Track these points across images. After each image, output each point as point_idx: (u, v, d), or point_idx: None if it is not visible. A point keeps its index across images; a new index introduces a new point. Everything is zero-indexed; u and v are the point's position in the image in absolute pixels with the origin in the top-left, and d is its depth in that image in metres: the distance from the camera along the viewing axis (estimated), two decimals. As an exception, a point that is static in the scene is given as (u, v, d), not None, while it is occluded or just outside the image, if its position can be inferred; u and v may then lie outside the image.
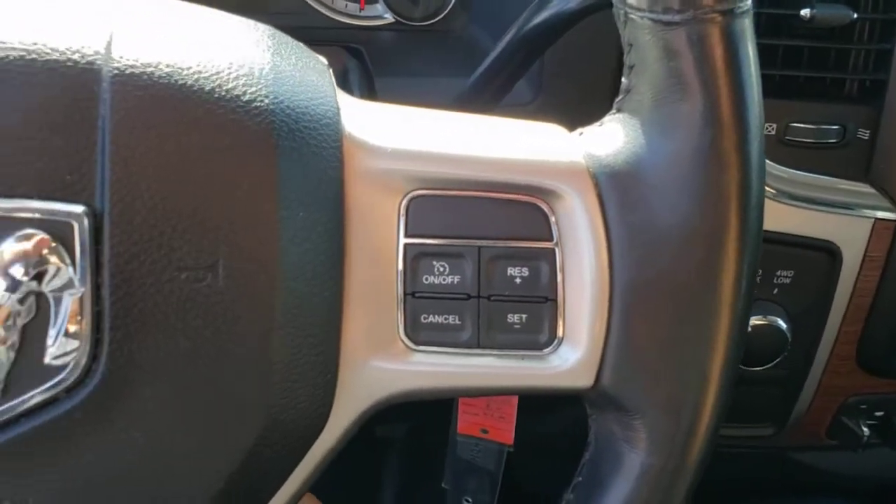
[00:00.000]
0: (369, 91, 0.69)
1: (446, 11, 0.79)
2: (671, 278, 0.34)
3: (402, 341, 0.35)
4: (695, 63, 0.33)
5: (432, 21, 0.79)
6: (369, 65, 0.72)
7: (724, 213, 0.34)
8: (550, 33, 0.55)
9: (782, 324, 0.66)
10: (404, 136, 0.35)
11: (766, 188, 0.50)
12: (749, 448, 0.83)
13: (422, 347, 0.35)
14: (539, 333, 0.35)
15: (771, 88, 0.62)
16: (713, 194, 0.34)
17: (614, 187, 0.34)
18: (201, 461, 0.33)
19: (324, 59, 0.38)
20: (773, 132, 0.63)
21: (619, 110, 0.36)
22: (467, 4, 0.79)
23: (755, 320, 0.65)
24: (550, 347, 0.35)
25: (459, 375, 0.36)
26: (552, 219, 0.35)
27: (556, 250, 0.35)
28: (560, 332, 0.35)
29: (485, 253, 0.35)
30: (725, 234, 0.34)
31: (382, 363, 0.35)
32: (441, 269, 0.35)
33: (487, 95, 0.59)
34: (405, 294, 0.35)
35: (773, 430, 0.76)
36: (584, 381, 0.35)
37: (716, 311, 0.34)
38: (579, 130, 0.37)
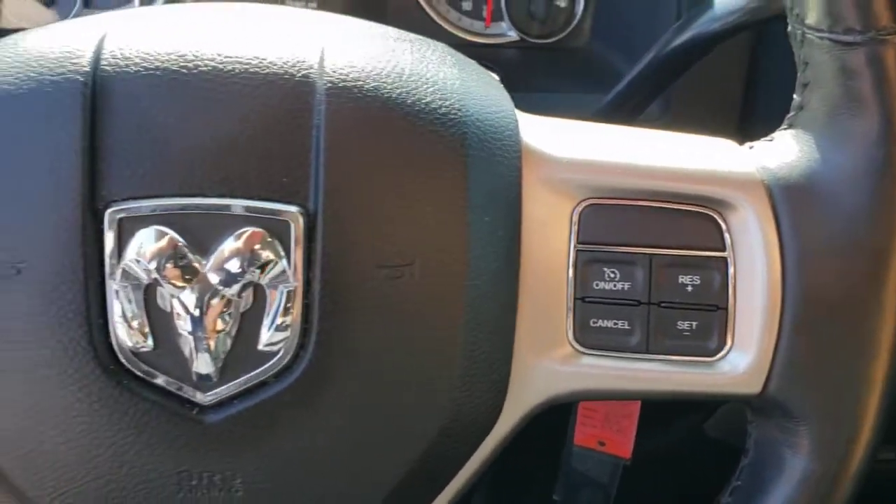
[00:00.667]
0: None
1: (570, 28, 0.81)
2: (841, 289, 0.35)
3: (571, 344, 0.37)
4: (873, 82, 0.34)
5: (556, 38, 0.81)
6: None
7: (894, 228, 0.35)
8: (692, 54, 0.56)
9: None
10: (578, 147, 0.37)
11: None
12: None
13: (590, 350, 0.37)
14: (708, 340, 0.36)
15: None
16: (886, 208, 0.35)
17: (788, 199, 0.35)
18: (390, 447, 0.35)
19: (495, 76, 0.41)
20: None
21: (791, 126, 0.37)
22: (591, 21, 0.81)
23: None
24: (720, 355, 0.36)
25: (627, 379, 0.37)
26: (724, 228, 0.36)
27: (728, 260, 0.36)
28: (729, 340, 0.36)
29: (656, 261, 0.36)
30: (894, 248, 0.35)
31: (551, 364, 0.37)
32: (612, 276, 0.37)
33: (624, 113, 0.60)
34: (575, 298, 0.37)
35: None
36: (753, 388, 0.36)
37: (883, 322, 0.35)
38: (749, 144, 0.38)
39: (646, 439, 0.75)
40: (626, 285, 0.37)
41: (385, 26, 0.39)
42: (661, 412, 0.78)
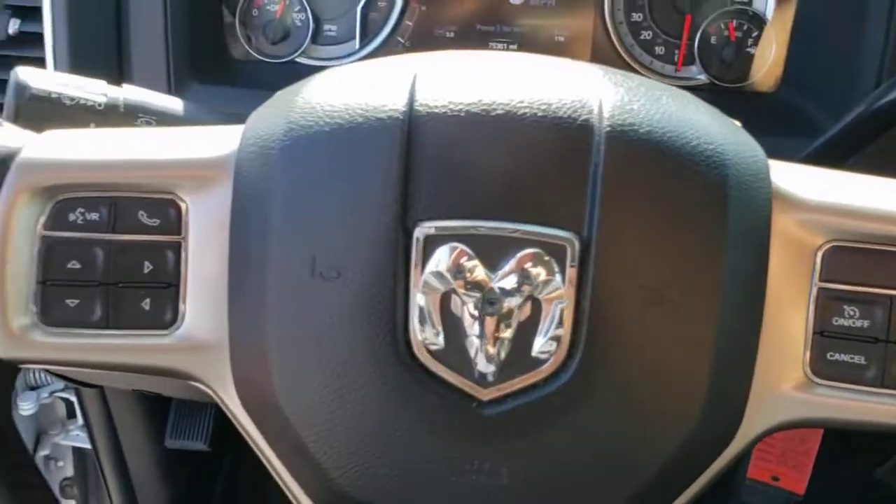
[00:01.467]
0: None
1: (761, 73, 0.83)
2: None
3: (807, 374, 0.40)
4: None
5: (746, 82, 0.83)
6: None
7: None
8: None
9: None
10: (825, 191, 0.40)
11: None
12: None
13: (825, 382, 0.40)
14: None
15: None
16: None
17: None
18: (634, 457, 0.39)
19: (737, 122, 0.44)
20: None
21: None
22: (781, 66, 0.83)
23: None
24: None
25: (861, 411, 0.40)
26: None
27: None
28: None
29: None
30: None
31: (787, 392, 0.40)
32: (851, 313, 0.40)
33: (826, 163, 0.62)
34: (813, 332, 0.40)
35: None
36: None
37: None
38: None
39: (814, 478, 0.76)
40: (865, 323, 0.39)
41: (642, 77, 0.43)
42: (832, 452, 0.79)
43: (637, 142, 0.38)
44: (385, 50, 0.85)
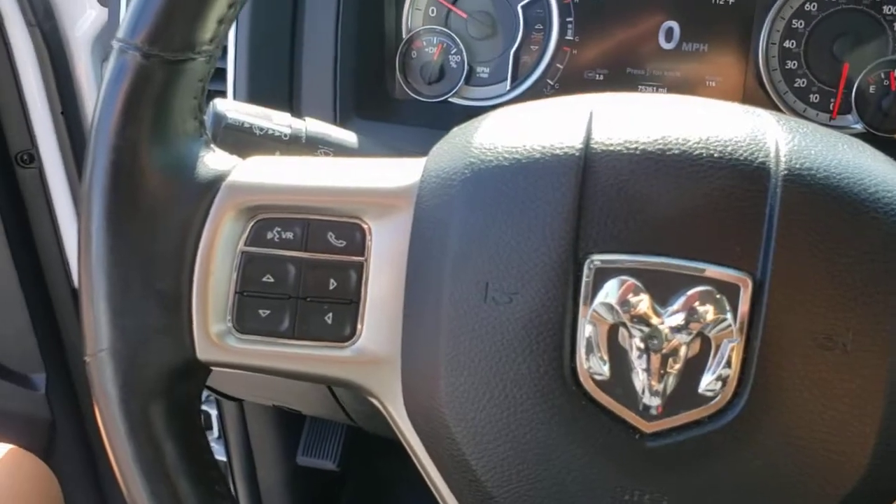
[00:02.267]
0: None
1: (923, 125, 0.81)
2: None
3: None
4: None
5: (905, 133, 0.81)
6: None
7: None
8: None
9: None
10: None
11: None
12: None
13: None
14: None
15: None
16: None
17: None
18: (802, 498, 0.39)
19: None
20: None
21: None
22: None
23: None
24: None
25: None
26: None
27: None
28: None
29: None
30: None
31: None
32: None
33: None
34: None
35: None
36: None
37: None
38: None
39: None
40: None
41: (816, 124, 0.43)
42: None
43: (814, 186, 0.38)
44: (534, 92, 0.88)
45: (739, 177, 0.39)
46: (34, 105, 1.11)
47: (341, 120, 0.80)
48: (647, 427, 0.39)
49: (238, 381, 0.92)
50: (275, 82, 0.79)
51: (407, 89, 0.89)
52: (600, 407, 0.39)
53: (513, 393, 0.40)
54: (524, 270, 0.40)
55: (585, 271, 0.39)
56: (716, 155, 0.40)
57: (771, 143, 0.40)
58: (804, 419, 0.38)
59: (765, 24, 0.83)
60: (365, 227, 0.44)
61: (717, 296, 0.38)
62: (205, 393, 1.26)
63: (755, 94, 0.84)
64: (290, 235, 0.44)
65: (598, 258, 0.39)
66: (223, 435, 1.26)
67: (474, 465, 0.41)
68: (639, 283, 0.39)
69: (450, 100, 0.89)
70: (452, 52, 0.89)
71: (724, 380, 0.38)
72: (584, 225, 0.40)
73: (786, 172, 0.39)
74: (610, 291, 0.39)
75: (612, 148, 0.40)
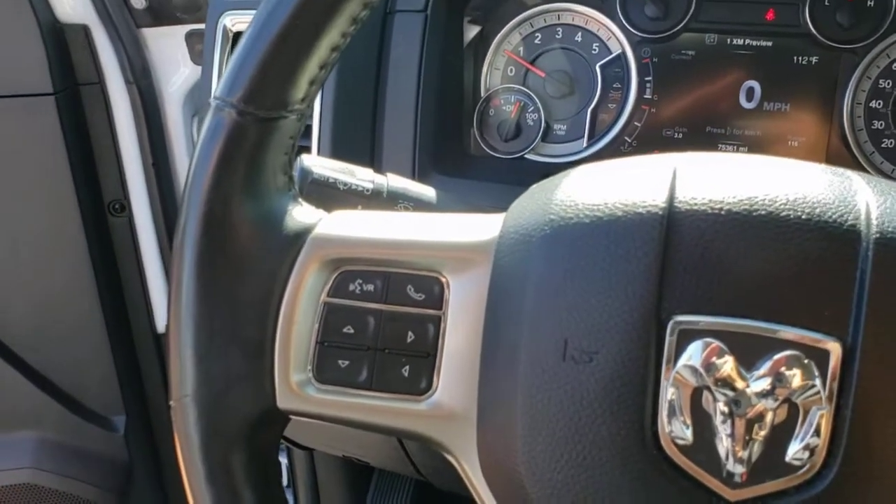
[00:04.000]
0: None
1: None
2: None
3: None
4: None
5: None
6: None
7: None
8: None
9: None
10: None
11: None
12: None
13: None
14: None
15: None
16: None
17: None
18: None
19: None
20: None
21: None
22: None
23: None
24: None
25: None
26: None
27: None
28: None
29: None
30: None
31: None
32: None
33: None
34: None
35: None
36: None
37: None
38: None
39: None
40: None
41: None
42: None
43: None
44: (612, 149, 0.88)
45: (828, 239, 0.38)
46: (128, 156, 1.17)
47: (420, 175, 0.81)
48: (731, 495, 0.38)
49: (310, 430, 0.93)
50: (357, 138, 0.81)
51: (484, 146, 0.91)
52: (682, 473, 0.38)
53: (592, 455, 0.40)
54: (605, 329, 0.40)
55: (668, 332, 0.39)
56: (804, 216, 0.39)
57: (861, 205, 0.39)
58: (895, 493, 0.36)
59: (850, 84, 0.81)
60: (443, 280, 0.45)
61: (805, 361, 0.37)
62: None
63: (840, 154, 0.82)
64: (370, 288, 0.45)
65: (681, 319, 0.39)
66: (292, 484, 1.27)
67: None
68: (723, 346, 0.38)
69: (526, 156, 0.90)
70: (529, 109, 0.90)
71: (812, 449, 0.37)
72: (668, 285, 0.39)
73: (878, 235, 0.38)
74: (694, 354, 0.38)
75: (696, 207, 0.40)
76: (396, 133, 0.81)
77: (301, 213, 0.47)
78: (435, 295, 0.45)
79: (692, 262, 0.39)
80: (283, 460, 1.26)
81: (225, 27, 0.85)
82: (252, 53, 0.44)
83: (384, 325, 0.45)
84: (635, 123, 0.88)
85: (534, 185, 0.48)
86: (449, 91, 0.87)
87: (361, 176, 0.59)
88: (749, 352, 0.38)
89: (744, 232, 0.39)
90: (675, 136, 0.87)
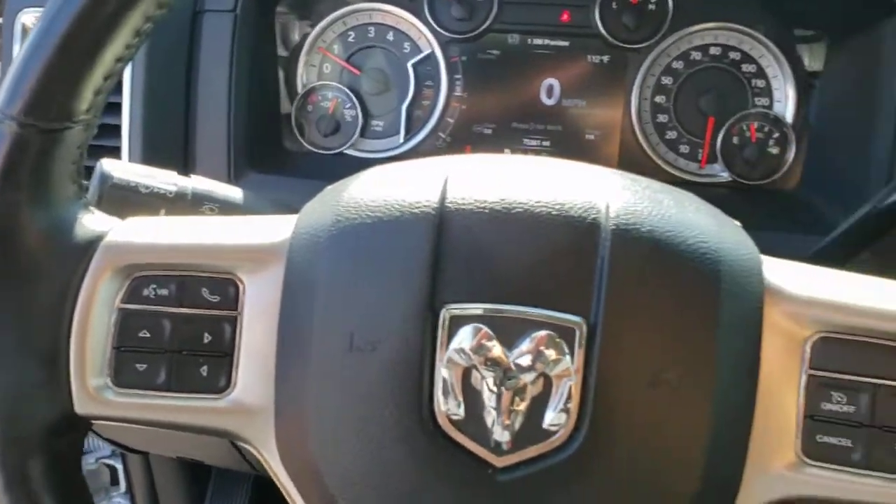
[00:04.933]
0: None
1: (780, 173, 0.88)
2: None
3: (798, 455, 0.43)
4: None
5: (767, 181, 0.88)
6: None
7: None
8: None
9: None
10: (814, 287, 0.45)
11: None
12: None
13: (815, 463, 0.43)
14: None
15: None
16: None
17: None
18: None
19: (737, 222, 0.49)
20: None
21: None
22: (801, 167, 0.88)
23: None
24: None
25: (849, 490, 0.43)
26: None
27: None
28: None
29: (881, 391, 0.42)
30: None
31: (779, 471, 0.43)
32: (839, 399, 0.43)
33: (836, 259, 0.66)
34: (804, 416, 0.43)
35: None
36: None
37: None
38: None
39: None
40: (851, 409, 0.43)
41: (649, 179, 0.48)
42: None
43: (639, 240, 0.43)
44: (427, 144, 0.92)
45: (574, 231, 0.43)
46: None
47: (237, 173, 0.82)
48: (499, 461, 0.42)
49: (140, 434, 0.92)
50: (169, 139, 0.81)
51: (304, 142, 0.93)
52: (457, 445, 0.43)
53: (377, 436, 0.43)
54: (386, 320, 0.43)
55: (441, 320, 0.43)
56: (553, 213, 0.44)
57: (603, 202, 0.44)
58: (638, 451, 0.42)
59: (637, 81, 0.89)
60: (238, 282, 0.47)
61: (557, 339, 0.42)
62: (110, 448, 1.24)
63: (631, 145, 0.90)
64: (165, 292, 0.46)
65: (452, 308, 0.43)
66: (129, 489, 1.24)
67: None
68: (489, 330, 0.42)
69: (346, 152, 0.93)
70: (347, 106, 0.92)
71: (566, 414, 0.42)
72: (440, 277, 0.43)
73: (614, 228, 0.43)
74: (464, 338, 0.42)
75: (464, 206, 0.44)
76: (210, 133, 0.81)
77: (92, 221, 0.48)
78: (230, 296, 0.47)
79: (461, 255, 0.43)
80: (119, 466, 1.23)
81: (24, 24, 0.82)
82: (31, 64, 0.44)
83: (180, 328, 0.46)
84: (448, 119, 0.92)
85: (327, 187, 0.50)
86: (263, 89, 0.88)
87: (164, 179, 0.59)
88: (510, 333, 0.42)
89: (504, 227, 0.43)
90: (485, 131, 0.92)
